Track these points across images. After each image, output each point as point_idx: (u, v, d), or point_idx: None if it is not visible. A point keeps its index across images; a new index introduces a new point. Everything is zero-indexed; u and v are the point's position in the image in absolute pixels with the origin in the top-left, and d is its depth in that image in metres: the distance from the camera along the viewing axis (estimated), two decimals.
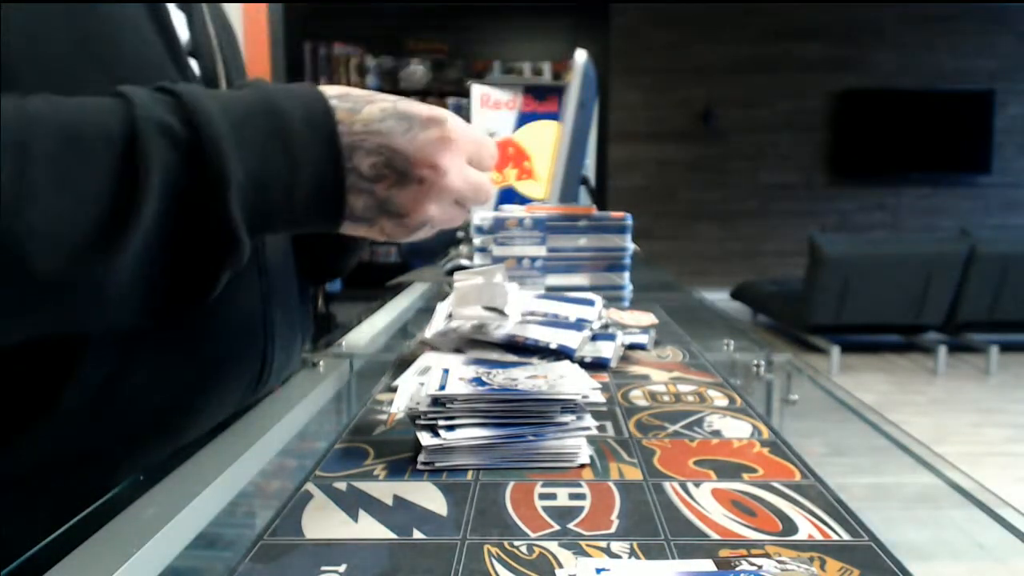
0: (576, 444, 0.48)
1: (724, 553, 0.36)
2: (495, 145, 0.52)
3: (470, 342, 0.70)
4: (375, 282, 1.48)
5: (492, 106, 1.39)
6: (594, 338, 0.76)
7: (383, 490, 0.44)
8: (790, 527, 0.39)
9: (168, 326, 0.47)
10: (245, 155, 0.41)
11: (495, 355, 0.68)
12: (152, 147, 0.38)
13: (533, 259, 1.02)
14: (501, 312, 0.69)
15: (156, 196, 0.38)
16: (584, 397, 0.49)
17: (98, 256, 0.37)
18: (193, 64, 0.52)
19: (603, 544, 0.37)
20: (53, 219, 0.35)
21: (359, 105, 0.45)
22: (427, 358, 0.68)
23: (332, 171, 0.43)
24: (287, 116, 0.43)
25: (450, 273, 1.07)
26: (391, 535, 0.38)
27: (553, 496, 0.43)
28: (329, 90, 0.45)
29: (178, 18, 0.52)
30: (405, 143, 0.45)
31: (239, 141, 0.41)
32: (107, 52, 0.45)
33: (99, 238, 0.37)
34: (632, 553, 0.36)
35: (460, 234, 0.75)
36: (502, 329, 0.70)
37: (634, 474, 0.46)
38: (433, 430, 0.47)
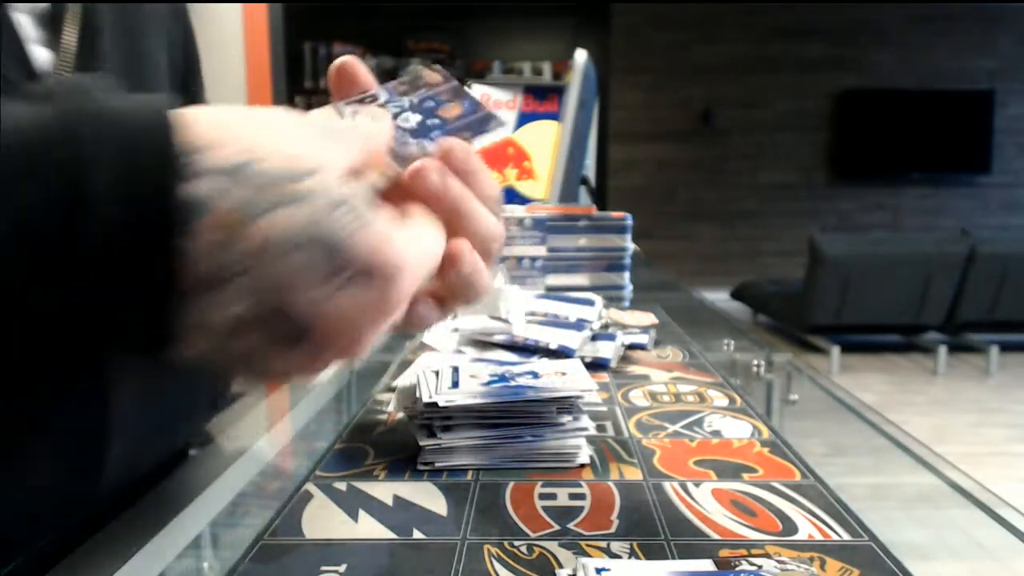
0: (576, 444, 0.48)
1: (724, 553, 0.36)
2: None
3: (471, 342, 0.70)
4: None
5: (492, 106, 1.39)
6: (594, 338, 0.76)
7: (383, 490, 0.44)
8: (790, 527, 0.39)
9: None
10: None
11: (495, 355, 0.68)
12: None
13: (533, 259, 1.02)
14: (505, 321, 0.70)
15: None
16: (579, 397, 0.49)
17: None
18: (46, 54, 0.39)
19: (603, 544, 0.37)
20: None
21: (258, 200, 0.24)
22: (427, 358, 0.68)
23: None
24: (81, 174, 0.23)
25: None
26: (391, 535, 0.38)
27: (553, 496, 0.43)
28: (204, 128, 0.24)
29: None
30: (310, 298, 0.25)
31: None
32: None
33: None
34: (632, 553, 0.36)
35: None
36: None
37: (634, 474, 0.46)
38: (430, 430, 0.47)
